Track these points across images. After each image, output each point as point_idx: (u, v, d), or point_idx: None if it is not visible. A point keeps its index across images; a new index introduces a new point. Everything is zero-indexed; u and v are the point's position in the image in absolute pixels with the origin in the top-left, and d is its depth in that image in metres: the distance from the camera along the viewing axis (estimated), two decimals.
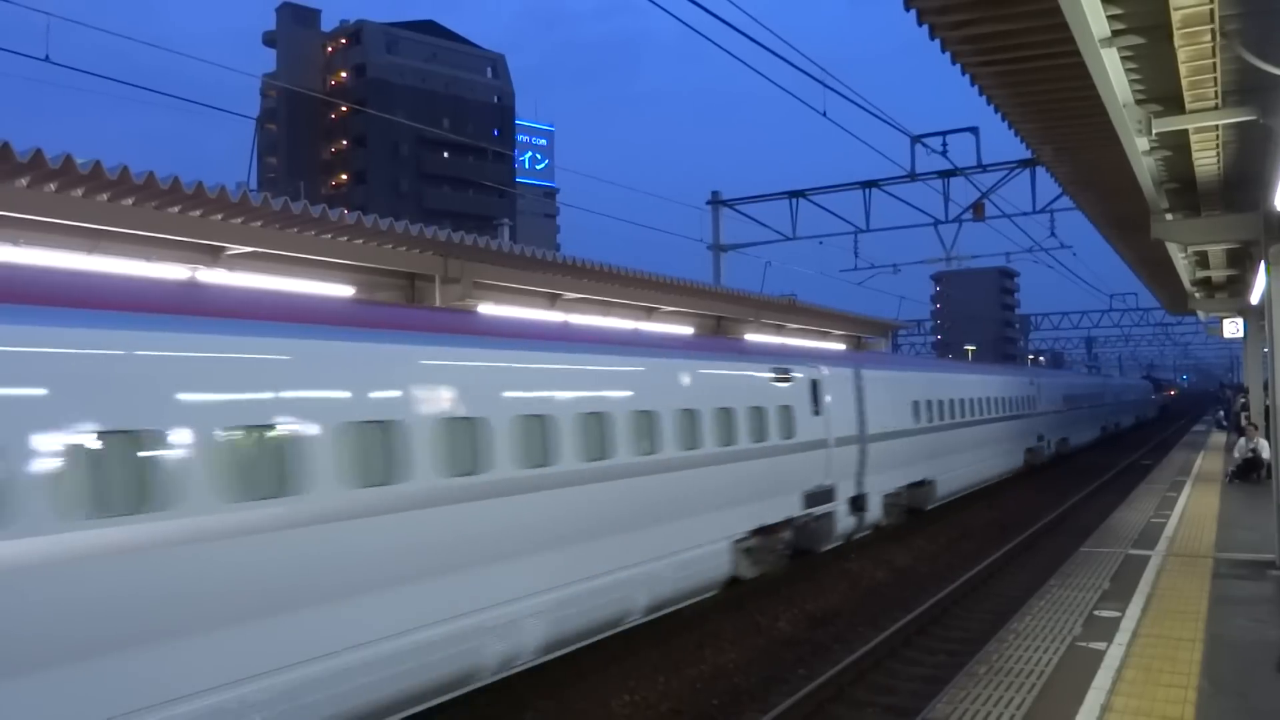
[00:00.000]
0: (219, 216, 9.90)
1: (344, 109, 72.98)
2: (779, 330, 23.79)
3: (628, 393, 9.59)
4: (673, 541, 10.02)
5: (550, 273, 14.44)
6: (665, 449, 9.92)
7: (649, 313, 18.56)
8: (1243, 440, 18.06)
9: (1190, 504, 15.04)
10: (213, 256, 11.20)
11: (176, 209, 9.52)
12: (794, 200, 27.26)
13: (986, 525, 18.99)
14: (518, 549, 8.01)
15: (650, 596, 9.69)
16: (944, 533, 17.97)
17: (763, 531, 11.93)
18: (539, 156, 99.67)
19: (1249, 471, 17.16)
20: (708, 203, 29.12)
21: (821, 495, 13.37)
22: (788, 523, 12.54)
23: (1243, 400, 21.71)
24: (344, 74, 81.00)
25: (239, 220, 10.12)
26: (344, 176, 79.85)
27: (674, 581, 10.11)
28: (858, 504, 14.53)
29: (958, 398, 19.98)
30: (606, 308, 17.45)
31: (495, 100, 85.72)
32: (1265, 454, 16.93)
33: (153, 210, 9.42)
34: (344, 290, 12.76)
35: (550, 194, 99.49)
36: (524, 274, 14.11)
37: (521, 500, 8.03)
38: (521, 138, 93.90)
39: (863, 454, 14.74)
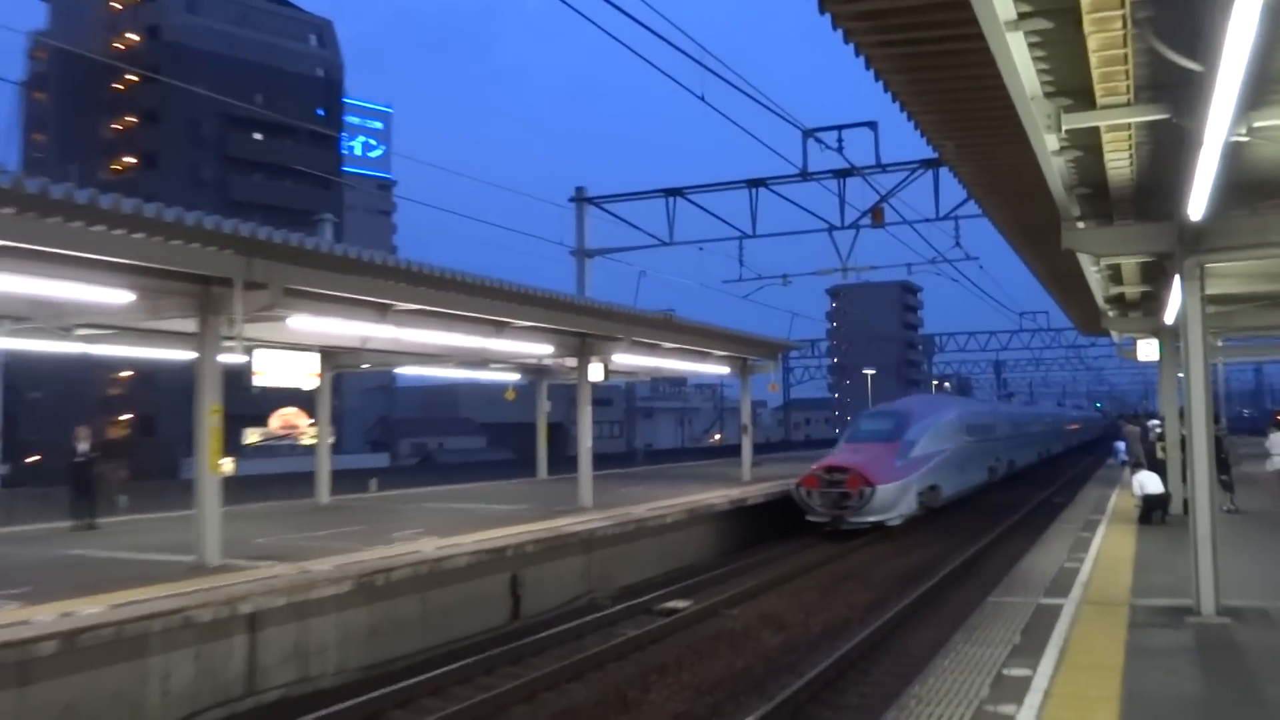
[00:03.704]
0: None
1: (132, 77, 70.04)
2: (653, 350, 23.90)
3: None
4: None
5: (379, 278, 14.06)
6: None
7: (499, 328, 18.32)
8: (1135, 480, 19.05)
9: (1105, 545, 15.78)
10: None
11: None
12: (671, 199, 27.61)
13: (886, 578, 19.48)
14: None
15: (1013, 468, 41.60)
16: (842, 585, 18.34)
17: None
18: (373, 142, 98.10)
19: (1150, 513, 18.08)
20: (571, 200, 29.20)
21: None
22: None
23: (1158, 430, 22.84)
24: (133, 35, 77.88)
25: None
26: (130, 159, 76.58)
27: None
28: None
29: (1024, 424, 48.72)
30: (448, 322, 17.13)
31: (320, 73, 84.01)
32: (1144, 490, 17.97)
33: None
34: (125, 296, 12.07)
35: (386, 186, 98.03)
36: (347, 279, 13.70)
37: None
38: (352, 119, 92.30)
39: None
